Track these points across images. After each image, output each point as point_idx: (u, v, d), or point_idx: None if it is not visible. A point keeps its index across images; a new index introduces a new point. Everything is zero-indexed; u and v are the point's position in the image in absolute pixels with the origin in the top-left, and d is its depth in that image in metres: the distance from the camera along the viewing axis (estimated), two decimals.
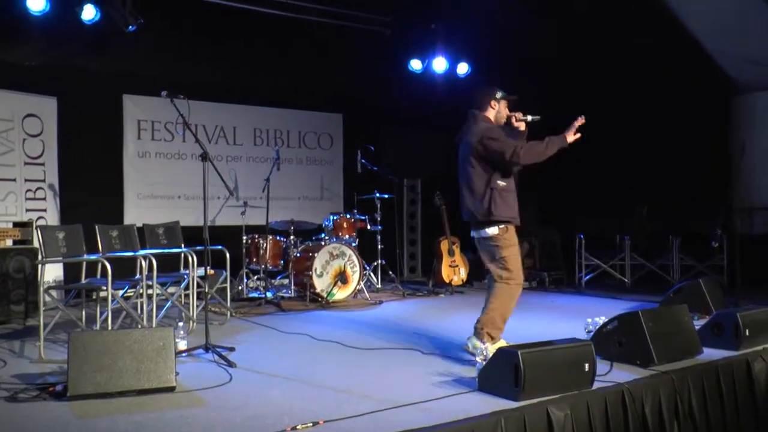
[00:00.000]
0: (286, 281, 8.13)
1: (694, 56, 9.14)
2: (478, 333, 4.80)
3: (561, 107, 10.18)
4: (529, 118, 4.94)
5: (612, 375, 4.27)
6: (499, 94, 4.95)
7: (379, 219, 8.58)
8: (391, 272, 8.70)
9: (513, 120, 4.93)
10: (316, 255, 7.52)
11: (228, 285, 6.60)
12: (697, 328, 5.00)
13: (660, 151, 9.56)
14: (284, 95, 9.46)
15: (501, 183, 4.72)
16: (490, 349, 4.28)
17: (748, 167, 9.21)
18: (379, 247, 8.60)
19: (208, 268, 5.24)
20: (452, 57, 9.68)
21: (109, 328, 4.94)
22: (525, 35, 9.34)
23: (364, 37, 9.35)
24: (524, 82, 9.98)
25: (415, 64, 9.59)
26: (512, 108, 4.96)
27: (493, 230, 4.75)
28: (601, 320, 5.18)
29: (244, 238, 7.86)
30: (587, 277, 9.08)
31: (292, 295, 7.82)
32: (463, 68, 9.80)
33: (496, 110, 4.92)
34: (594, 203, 9.59)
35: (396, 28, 9.45)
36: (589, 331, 5.41)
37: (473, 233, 4.92)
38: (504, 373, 3.78)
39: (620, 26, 8.91)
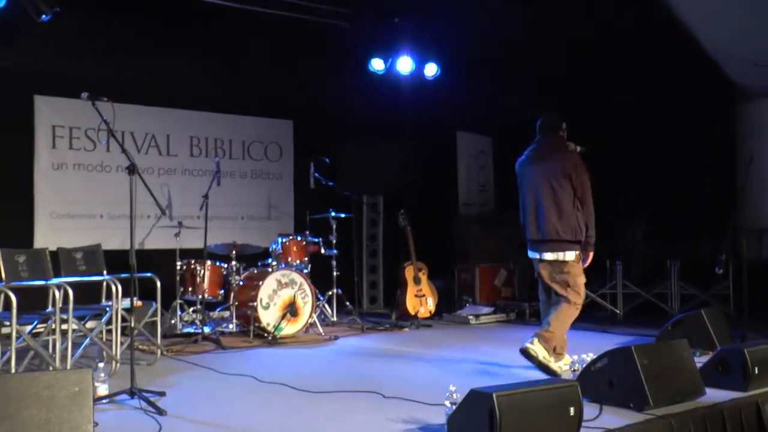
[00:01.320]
0: (226, 314, 8.09)
1: (695, 58, 9.33)
2: (544, 339, 5.44)
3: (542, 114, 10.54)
4: (578, 148, 5.74)
5: (601, 420, 4.27)
6: (564, 124, 5.78)
7: (334, 242, 8.58)
8: (348, 303, 8.69)
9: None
10: (261, 284, 7.51)
11: (158, 318, 6.54)
12: (699, 365, 5.04)
13: (657, 164, 9.72)
14: (226, 98, 9.45)
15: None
16: (556, 366, 5.19)
17: (758, 183, 9.35)
18: (335, 274, 8.58)
19: (135, 298, 5.15)
20: (419, 56, 9.79)
21: (13, 370, 4.80)
22: (501, 33, 9.46)
23: (318, 32, 9.42)
24: (506, 90, 10.29)
25: (377, 64, 9.64)
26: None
27: (571, 255, 5.45)
28: (589, 357, 5.20)
29: (179, 263, 7.81)
30: None
31: (234, 330, 7.77)
32: (431, 69, 9.90)
33: (564, 136, 5.75)
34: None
35: (355, 22, 9.54)
36: (575, 370, 5.42)
37: (544, 255, 5.53)
38: (477, 418, 3.76)
39: (612, 24, 9.09)
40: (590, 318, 9.05)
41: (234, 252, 7.93)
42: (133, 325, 5.38)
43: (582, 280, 5.53)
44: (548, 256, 5.54)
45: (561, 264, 5.50)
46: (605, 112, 9.78)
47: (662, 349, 4.90)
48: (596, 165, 9.43)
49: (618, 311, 9.03)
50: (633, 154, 9.85)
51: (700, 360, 5.39)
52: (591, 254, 5.55)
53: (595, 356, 4.90)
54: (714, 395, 4.82)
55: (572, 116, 10.07)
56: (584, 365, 4.93)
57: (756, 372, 4.97)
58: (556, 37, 9.58)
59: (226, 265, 7.94)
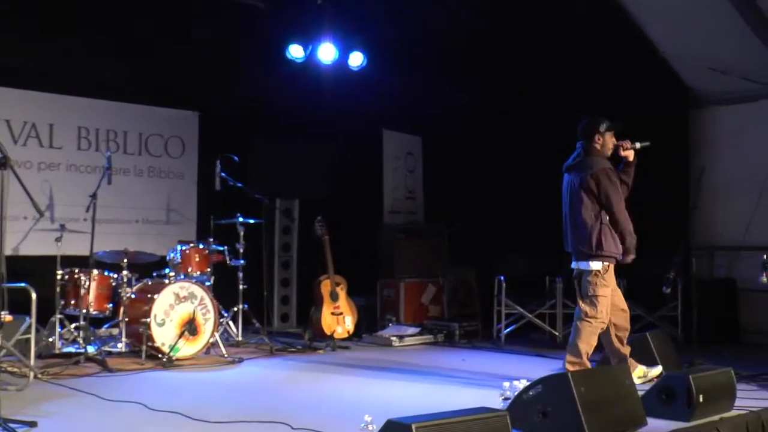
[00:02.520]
0: (115, 331, 7.94)
1: (646, 57, 9.55)
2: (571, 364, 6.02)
3: (482, 116, 10.68)
4: (638, 145, 6.23)
5: None
6: (603, 126, 6.18)
7: (242, 251, 8.49)
8: (256, 321, 8.58)
9: (620, 150, 6.24)
10: (156, 297, 7.40)
11: (32, 336, 6.38)
12: (641, 393, 5.13)
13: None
14: (121, 85, 9.26)
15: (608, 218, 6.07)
16: None
17: (710, 197, 9.70)
18: (242, 287, 8.49)
19: (4, 312, 4.99)
20: (343, 43, 9.74)
21: None
22: (436, 20, 9.54)
23: (230, 13, 9.33)
24: (439, 85, 10.37)
25: (295, 51, 9.57)
26: (619, 137, 6.24)
27: (596, 264, 6.02)
28: (522, 384, 5.25)
29: (59, 272, 7.62)
30: (508, 330, 9.23)
31: (123, 350, 7.64)
32: (356, 59, 9.87)
33: (602, 143, 6.18)
34: (520, 237, 9.82)
35: (272, 3, 9.50)
36: (505, 398, 5.47)
37: (574, 264, 6.18)
38: None
39: (560, 17, 9.27)
40: (526, 341, 9.21)
41: (125, 260, 7.80)
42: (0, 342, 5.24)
43: (604, 293, 6.04)
44: (573, 265, 6.21)
45: (586, 273, 6.08)
46: (547, 113, 9.90)
47: (602, 375, 4.98)
48: (537, 177, 9.62)
49: (557, 333, 9.12)
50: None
51: (643, 387, 5.46)
52: (629, 258, 6.12)
53: (528, 383, 4.94)
54: (657, 426, 4.91)
55: (513, 116, 10.44)
56: (516, 393, 4.96)
57: (701, 400, 5.08)
58: (497, 29, 9.71)
59: (115, 276, 7.79)
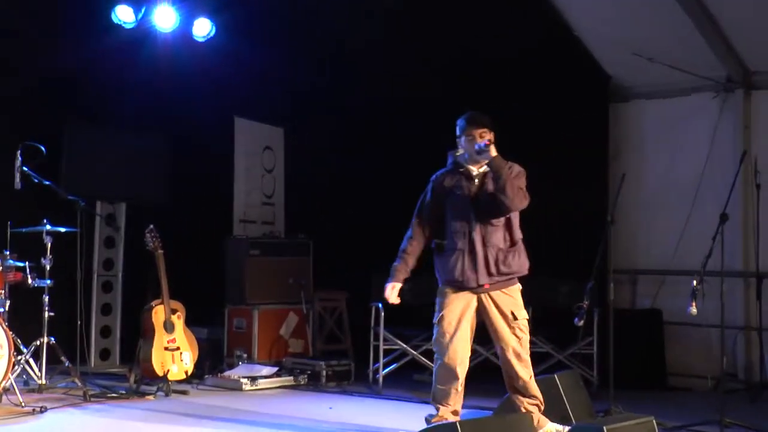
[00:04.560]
0: None
1: (555, 38, 9.70)
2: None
3: (362, 108, 10.67)
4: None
5: None
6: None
7: (49, 268, 8.23)
8: (65, 359, 8.32)
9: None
10: None
11: None
12: None
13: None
14: None
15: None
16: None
17: (630, 211, 9.88)
18: (47, 314, 8.21)
19: None
20: (186, 7, 9.60)
21: None
22: None
23: None
24: (307, 63, 10.31)
25: (124, 14, 9.29)
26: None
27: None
28: None
29: None
30: (387, 370, 9.21)
31: None
32: (202, 27, 9.74)
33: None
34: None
35: None
36: None
37: None
38: None
39: None
40: (409, 383, 9.23)
41: None
42: None
43: (438, 320, 6.53)
44: None
45: None
46: (439, 107, 9.98)
47: (498, 425, 4.98)
48: (424, 175, 9.66)
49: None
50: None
51: None
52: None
53: None
54: None
55: (401, 109, 10.47)
56: None
57: None
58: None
59: None
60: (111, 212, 10.20)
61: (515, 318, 6.38)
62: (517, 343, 6.36)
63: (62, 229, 8.40)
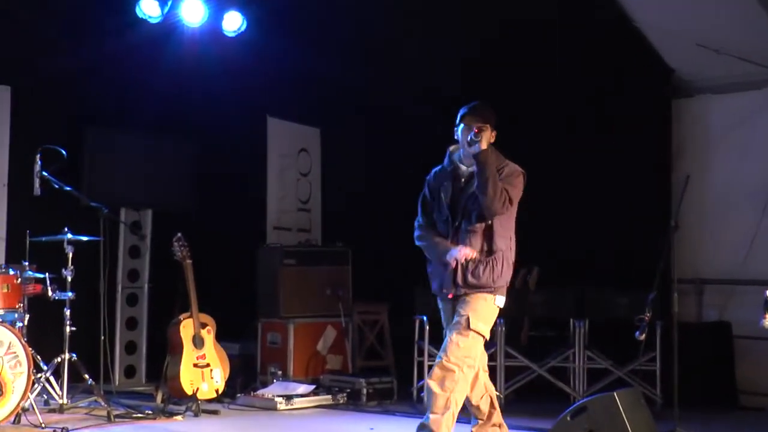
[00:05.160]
0: None
1: (612, 27, 9.60)
2: None
3: (402, 107, 10.62)
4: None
5: None
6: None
7: (70, 280, 8.23)
8: (88, 376, 8.36)
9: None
10: None
11: None
12: None
13: (557, 186, 9.88)
14: None
15: None
16: None
17: (696, 215, 9.74)
18: (69, 329, 8.23)
19: None
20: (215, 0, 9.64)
21: None
22: None
23: None
24: (344, 61, 10.27)
25: (149, 8, 9.32)
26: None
27: None
28: None
29: None
30: None
31: None
32: (232, 21, 9.76)
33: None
34: None
35: None
36: None
37: None
38: None
39: None
40: None
41: None
42: None
43: None
44: None
45: None
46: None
47: None
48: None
49: (498, 393, 8.99)
50: (530, 172, 10.00)
51: None
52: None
53: None
54: None
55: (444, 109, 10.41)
56: None
57: None
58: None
59: None
60: (136, 220, 10.28)
61: (468, 326, 6.14)
62: (445, 361, 6.14)
63: (84, 238, 8.40)
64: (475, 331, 6.13)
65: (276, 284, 10.17)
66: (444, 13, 9.84)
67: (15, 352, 7.37)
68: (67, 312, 8.22)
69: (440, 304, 6.52)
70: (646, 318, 7.36)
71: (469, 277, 6.17)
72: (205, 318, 8.75)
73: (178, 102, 10.17)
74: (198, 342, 8.63)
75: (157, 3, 9.38)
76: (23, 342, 7.44)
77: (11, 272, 7.85)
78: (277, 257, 10.29)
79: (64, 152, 8.32)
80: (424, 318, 9.13)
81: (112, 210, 9.21)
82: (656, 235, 8.63)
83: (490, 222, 6.23)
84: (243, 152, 10.94)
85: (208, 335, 8.72)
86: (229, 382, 8.87)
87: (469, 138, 6.17)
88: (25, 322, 7.86)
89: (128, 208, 10.16)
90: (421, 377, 9.11)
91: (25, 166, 8.54)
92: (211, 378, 8.62)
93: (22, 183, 8.74)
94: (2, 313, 7.70)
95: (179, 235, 8.71)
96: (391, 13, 9.95)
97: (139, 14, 9.37)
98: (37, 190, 8.21)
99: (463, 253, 6.15)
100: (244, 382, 9.42)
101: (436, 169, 6.56)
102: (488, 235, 6.26)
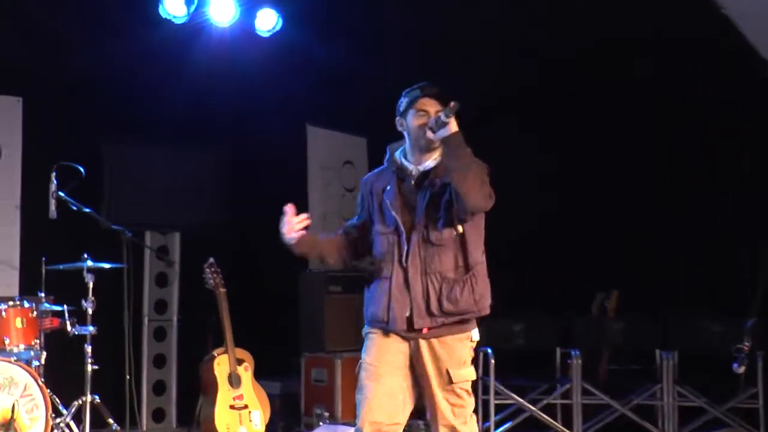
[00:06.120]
0: None
1: (709, 27, 9.45)
2: None
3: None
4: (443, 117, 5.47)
5: None
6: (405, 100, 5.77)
7: (91, 312, 8.28)
8: (113, 420, 8.39)
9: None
10: None
11: None
12: None
13: (639, 197, 9.86)
14: None
15: None
16: None
17: None
18: (90, 368, 8.25)
19: None
20: None
21: None
22: None
23: None
24: (392, 61, 10.24)
25: (173, 6, 9.39)
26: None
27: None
28: None
29: None
30: (501, 429, 9.23)
31: None
32: (266, 19, 9.84)
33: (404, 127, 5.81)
34: (514, 288, 9.60)
35: None
36: None
37: None
38: None
39: None
40: None
41: None
42: None
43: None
44: None
45: None
46: (565, 112, 10.06)
47: None
48: (547, 198, 9.42)
49: None
50: (601, 179, 10.08)
51: None
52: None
53: None
54: None
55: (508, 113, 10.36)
56: None
57: None
58: None
59: None
60: (163, 244, 10.32)
61: (450, 380, 5.43)
62: (451, 417, 5.51)
63: (106, 266, 8.47)
64: (461, 382, 5.47)
65: (320, 314, 10.15)
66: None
67: (31, 395, 7.46)
68: (89, 348, 8.26)
69: (375, 340, 5.65)
70: (745, 348, 7.20)
71: (445, 303, 5.34)
72: (242, 353, 8.77)
73: (207, 111, 10.29)
74: (234, 381, 8.64)
75: (182, 1, 9.45)
76: (40, 383, 7.50)
77: (26, 305, 7.93)
78: (321, 284, 10.27)
79: (81, 169, 8.44)
80: (489, 350, 9.04)
81: (136, 233, 9.32)
82: (755, 252, 8.63)
83: (461, 229, 5.43)
84: (280, 165, 10.97)
85: (246, 373, 8.74)
86: (270, 426, 8.89)
87: (433, 121, 5.39)
88: (42, 361, 7.92)
89: (154, 230, 10.18)
90: (486, 418, 9.11)
91: (39, 185, 8.63)
92: (250, 421, 8.62)
93: (36, 205, 8.83)
94: (17, 350, 7.81)
95: (211, 260, 8.73)
96: (458, 12, 9.85)
97: (163, 14, 9.47)
98: (53, 213, 8.30)
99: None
100: (286, 426, 9.53)
101: (375, 171, 5.86)
102: (462, 247, 5.46)
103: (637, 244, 9.82)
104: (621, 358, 9.55)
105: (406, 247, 5.47)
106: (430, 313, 5.35)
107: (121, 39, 9.52)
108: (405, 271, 5.45)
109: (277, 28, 9.81)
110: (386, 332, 5.52)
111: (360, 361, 5.65)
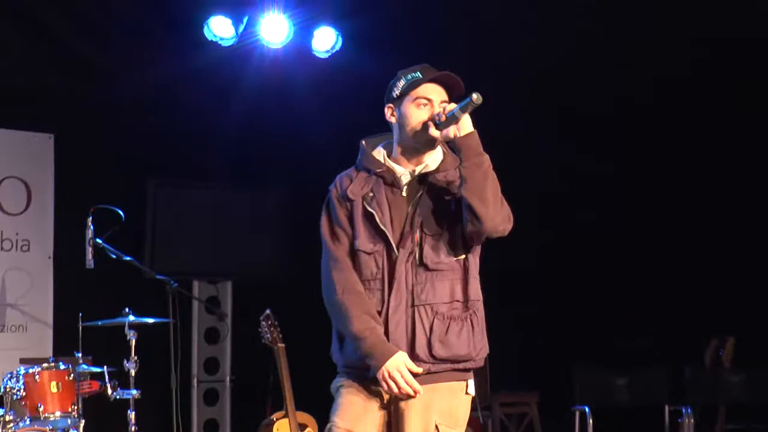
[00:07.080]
0: None
1: None
2: None
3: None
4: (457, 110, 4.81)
5: None
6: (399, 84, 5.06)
7: (134, 373, 8.23)
8: None
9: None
10: None
11: None
12: None
13: (762, 233, 9.86)
14: None
15: None
16: None
17: None
18: None
19: None
20: (301, 14, 9.68)
21: None
22: None
23: None
24: (474, 80, 10.10)
25: (220, 27, 9.48)
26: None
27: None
28: None
29: None
30: None
31: None
32: (324, 39, 9.87)
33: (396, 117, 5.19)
34: (618, 336, 9.83)
35: None
36: None
37: None
38: None
39: None
40: None
41: None
42: None
43: None
44: None
45: None
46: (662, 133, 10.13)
47: None
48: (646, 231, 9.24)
49: None
50: (714, 215, 10.05)
51: None
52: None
53: None
54: None
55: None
56: None
57: None
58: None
59: None
60: (213, 295, 10.57)
61: None
62: None
63: (150, 321, 8.48)
64: None
65: None
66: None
67: None
68: (132, 415, 8.26)
69: (346, 391, 4.95)
70: None
71: (436, 345, 4.72)
72: (305, 417, 8.79)
73: (260, 143, 10.40)
74: None
75: (230, 21, 9.56)
76: None
77: (62, 367, 7.91)
78: None
79: (121, 213, 8.41)
80: (586, 409, 9.11)
81: (183, 283, 9.33)
82: None
83: (465, 255, 4.84)
84: None
85: None
86: None
87: (450, 114, 4.73)
88: (81, 430, 7.87)
89: (202, 280, 10.39)
90: None
91: (74, 232, 8.68)
92: None
93: (71, 253, 8.92)
94: (53, 418, 7.75)
95: (268, 312, 8.69)
96: (545, 34, 9.84)
97: (208, 36, 9.61)
98: (90, 262, 8.29)
99: (405, 380, 4.72)
100: None
101: (345, 174, 5.17)
102: (464, 277, 4.84)
103: (756, 284, 9.74)
104: (740, 415, 9.45)
105: (384, 272, 4.85)
106: (414, 357, 4.75)
107: (163, 65, 9.65)
108: (387, 301, 4.80)
109: (337, 48, 9.87)
110: (363, 382, 4.87)
111: (329, 424, 4.92)
